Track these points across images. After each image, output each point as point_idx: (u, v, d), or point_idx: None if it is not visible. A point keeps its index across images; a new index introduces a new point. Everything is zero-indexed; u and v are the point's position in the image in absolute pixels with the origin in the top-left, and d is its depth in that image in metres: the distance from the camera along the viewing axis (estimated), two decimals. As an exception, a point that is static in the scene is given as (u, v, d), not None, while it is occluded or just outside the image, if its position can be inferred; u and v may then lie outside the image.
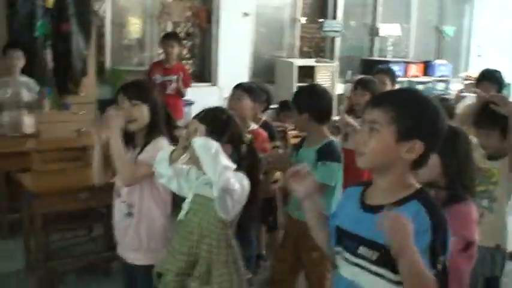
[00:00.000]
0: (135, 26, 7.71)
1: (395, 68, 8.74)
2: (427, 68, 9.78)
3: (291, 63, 8.35)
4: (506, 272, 3.51)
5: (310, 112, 3.37)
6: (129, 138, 3.08)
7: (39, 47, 5.79)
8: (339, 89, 8.71)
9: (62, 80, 6.04)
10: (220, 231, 2.58)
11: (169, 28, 7.65)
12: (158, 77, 6.22)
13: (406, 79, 9.11)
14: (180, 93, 6.32)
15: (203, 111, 2.68)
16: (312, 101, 3.40)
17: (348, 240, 1.93)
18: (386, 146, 1.82)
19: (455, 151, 2.39)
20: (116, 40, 7.45)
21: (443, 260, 1.73)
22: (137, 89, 3.06)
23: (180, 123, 5.23)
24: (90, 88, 6.35)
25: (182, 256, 2.60)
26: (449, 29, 10.72)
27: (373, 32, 9.87)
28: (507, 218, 3.34)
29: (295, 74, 8.17)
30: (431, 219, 1.75)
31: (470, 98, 4.80)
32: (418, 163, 1.86)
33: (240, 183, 2.46)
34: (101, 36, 7.13)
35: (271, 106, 5.04)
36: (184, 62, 7.69)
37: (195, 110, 2.73)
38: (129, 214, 3.04)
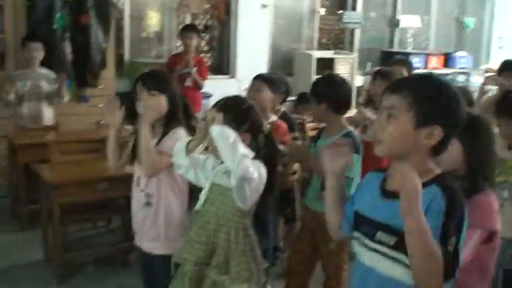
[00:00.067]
0: (153, 19, 7.71)
1: (416, 60, 8.73)
2: (448, 60, 9.70)
3: (310, 55, 8.29)
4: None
5: (329, 102, 3.34)
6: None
7: (58, 39, 5.81)
8: (358, 81, 8.66)
9: (81, 72, 6.08)
10: (238, 220, 2.57)
11: (187, 20, 7.62)
12: (177, 69, 6.20)
13: (426, 71, 9.02)
14: (197, 86, 6.29)
15: (223, 99, 2.68)
16: (330, 91, 3.37)
17: (366, 225, 1.92)
18: (405, 132, 1.80)
19: (478, 140, 2.37)
20: (135, 33, 7.46)
21: (455, 242, 1.70)
22: (155, 80, 3.06)
23: (199, 115, 5.25)
24: (108, 81, 6.37)
25: (200, 245, 2.60)
26: (469, 21, 10.60)
27: (393, 23, 9.79)
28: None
29: (313, 66, 8.10)
30: (446, 201, 1.73)
31: (493, 92, 4.75)
32: (437, 149, 1.84)
33: (258, 171, 2.46)
34: (119, 29, 7.15)
35: (289, 98, 5.02)
36: (202, 54, 7.67)
37: (213, 102, 2.71)
38: (148, 204, 3.06)
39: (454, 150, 2.27)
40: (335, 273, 3.44)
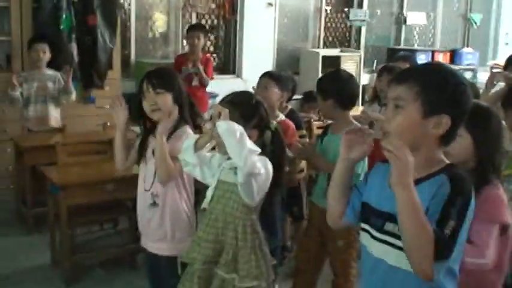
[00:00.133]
0: (159, 19, 7.70)
1: (422, 57, 8.70)
2: (454, 56, 9.66)
3: (316, 53, 8.27)
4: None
5: (335, 98, 3.32)
6: (153, 127, 3.09)
7: (65, 40, 5.83)
8: (365, 79, 8.63)
9: (87, 73, 6.09)
10: (245, 217, 2.56)
11: (193, 21, 7.61)
12: (184, 69, 6.18)
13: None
14: (203, 82, 6.25)
15: (231, 94, 2.67)
16: (336, 87, 3.36)
17: (374, 217, 1.91)
18: (412, 122, 1.79)
19: (488, 132, 2.38)
20: (141, 33, 7.47)
21: (453, 226, 1.70)
22: (161, 78, 3.04)
23: (205, 115, 5.24)
24: (115, 82, 6.38)
25: (208, 244, 2.59)
26: (476, 17, 10.55)
27: (400, 20, 9.74)
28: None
29: (319, 64, 8.08)
30: (451, 186, 1.74)
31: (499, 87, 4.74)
32: (446, 139, 1.83)
33: (265, 167, 2.44)
34: (125, 29, 7.15)
35: (295, 97, 5.00)
36: (208, 54, 7.65)
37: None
38: (154, 204, 3.04)
39: (464, 142, 2.29)
40: (343, 270, 3.42)
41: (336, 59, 8.26)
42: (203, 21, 7.78)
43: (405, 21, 9.69)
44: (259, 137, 2.62)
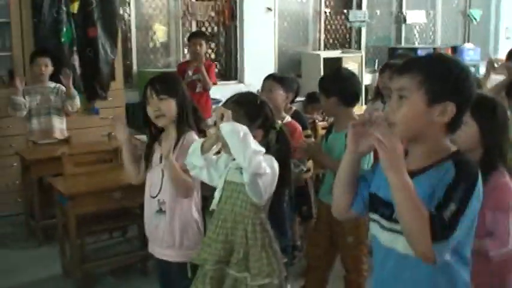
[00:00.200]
0: (159, 30, 7.73)
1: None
2: (455, 53, 9.64)
3: (317, 55, 8.29)
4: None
5: (338, 96, 3.33)
6: (158, 133, 3.10)
7: (66, 53, 5.85)
8: (367, 79, 8.63)
9: (90, 84, 6.11)
10: (254, 216, 2.56)
11: (193, 29, 7.63)
12: (187, 76, 6.17)
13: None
14: (205, 87, 6.24)
15: (236, 94, 2.68)
16: (339, 84, 3.38)
17: (382, 207, 1.91)
18: (417, 111, 1.79)
19: (495, 120, 2.42)
20: (141, 43, 7.49)
21: (453, 210, 1.70)
22: (165, 84, 3.04)
23: (209, 121, 5.23)
24: (118, 92, 6.40)
25: (218, 244, 2.59)
26: (475, 12, 10.54)
27: (400, 20, 9.75)
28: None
29: (321, 66, 8.09)
30: (456, 171, 1.75)
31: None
32: (452, 126, 1.84)
33: (270, 166, 2.44)
34: (126, 40, 7.18)
35: (298, 98, 5.00)
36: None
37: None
38: (160, 211, 3.04)
39: (470, 130, 2.33)
40: (354, 266, 3.42)
41: (337, 61, 8.25)
42: (203, 29, 7.79)
43: (405, 20, 9.69)
44: (265, 137, 2.62)
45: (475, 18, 10.56)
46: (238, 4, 7.92)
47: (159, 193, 3.03)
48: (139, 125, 5.33)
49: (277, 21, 8.30)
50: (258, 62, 7.86)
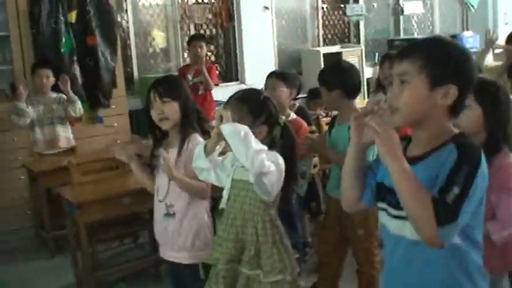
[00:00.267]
0: (158, 35, 7.74)
1: (423, 44, 8.66)
2: (455, 41, 9.62)
3: (316, 52, 8.30)
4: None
5: (341, 88, 3.33)
6: (162, 137, 3.11)
7: (67, 63, 5.85)
8: (368, 72, 8.63)
9: (93, 93, 6.11)
10: (263, 213, 2.56)
11: (192, 32, 7.63)
12: (189, 78, 6.18)
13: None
14: (207, 87, 6.27)
15: (239, 91, 2.68)
16: (340, 77, 3.37)
17: (389, 195, 1.91)
18: (420, 95, 1.80)
19: (497, 102, 2.44)
20: (141, 50, 7.50)
21: (456, 193, 1.69)
22: (168, 87, 3.05)
23: (213, 123, 5.23)
24: (120, 99, 6.41)
25: (229, 243, 2.58)
26: (473, 0, 10.53)
27: (397, 11, 9.74)
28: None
29: (321, 62, 8.09)
30: (458, 154, 1.74)
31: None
32: (454, 109, 1.84)
33: (275, 162, 2.44)
34: (126, 47, 7.19)
35: (300, 95, 5.01)
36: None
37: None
38: (168, 214, 3.05)
39: (473, 114, 2.34)
40: (366, 259, 3.42)
41: (337, 56, 8.24)
42: (201, 32, 7.80)
43: (402, 11, 9.69)
44: (269, 133, 2.62)
45: (472, 6, 10.54)
46: (235, 5, 7.94)
47: (166, 196, 3.04)
48: (143, 131, 5.37)
49: (275, 19, 8.31)
50: (258, 62, 7.87)
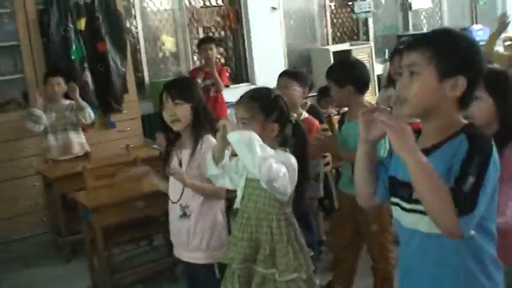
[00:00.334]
0: (168, 40, 7.77)
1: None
2: (465, 35, 9.57)
3: (326, 50, 8.31)
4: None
5: (353, 84, 3.34)
6: (175, 137, 3.14)
7: (78, 70, 5.90)
8: (378, 69, 8.61)
9: (105, 99, 6.16)
10: (278, 211, 2.57)
11: (200, 35, 7.66)
12: (200, 81, 6.20)
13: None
14: (217, 89, 6.30)
15: (250, 90, 2.69)
16: (351, 73, 3.39)
17: (401, 189, 1.92)
18: (429, 86, 1.80)
19: (508, 92, 2.45)
20: (151, 54, 7.54)
21: (472, 182, 1.70)
22: (180, 89, 3.08)
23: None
24: (132, 104, 6.44)
25: (244, 242, 2.60)
26: (481, -7, 10.49)
27: (405, 7, 9.71)
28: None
29: (331, 60, 8.08)
30: (469, 144, 1.74)
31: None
32: (464, 101, 1.84)
33: (286, 163, 2.45)
34: (136, 52, 7.23)
35: (310, 94, 5.01)
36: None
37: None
38: (184, 215, 3.07)
39: (485, 105, 2.36)
40: (381, 255, 3.42)
41: (347, 53, 8.23)
42: (210, 35, 7.82)
43: (410, 6, 9.64)
44: (281, 132, 2.63)
45: (480, -1, 10.50)
46: (242, 7, 7.95)
47: (180, 198, 3.07)
48: (155, 135, 5.39)
49: (283, 19, 8.31)
50: (267, 63, 7.88)
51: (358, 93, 3.37)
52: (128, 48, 6.41)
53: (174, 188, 3.12)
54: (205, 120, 3.11)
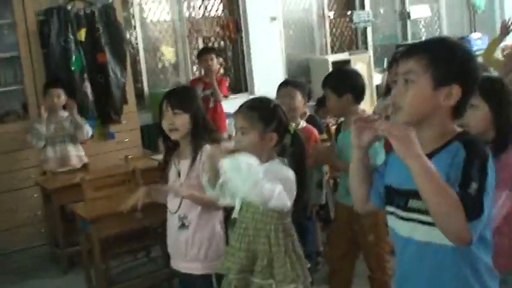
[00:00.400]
0: (167, 50, 7.79)
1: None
2: (464, 44, 9.58)
3: (325, 60, 8.32)
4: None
5: (351, 92, 3.36)
6: (174, 146, 3.14)
7: (78, 81, 5.89)
8: (377, 79, 8.62)
9: (104, 110, 6.15)
10: (277, 222, 2.57)
11: (200, 46, 7.68)
12: (200, 92, 6.21)
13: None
14: (216, 99, 6.31)
15: (249, 100, 2.70)
16: (350, 81, 3.41)
17: (397, 197, 1.93)
18: (424, 95, 1.81)
19: (504, 100, 2.46)
20: (151, 65, 7.55)
21: (476, 187, 1.70)
22: (180, 98, 3.09)
23: (224, 135, 5.27)
24: (131, 115, 6.44)
25: (242, 253, 2.60)
26: (480, 2, 10.50)
27: (404, 16, 9.74)
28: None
29: (330, 70, 8.05)
30: (466, 150, 1.75)
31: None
32: (458, 110, 1.85)
33: (282, 177, 2.45)
34: (135, 63, 7.24)
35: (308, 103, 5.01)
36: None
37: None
38: (183, 225, 3.07)
39: (481, 113, 2.37)
40: (378, 265, 3.42)
41: (346, 63, 8.24)
42: (210, 45, 7.84)
43: (409, 16, 9.68)
44: (280, 141, 2.63)
45: (479, 7, 10.51)
46: (242, 17, 7.97)
47: (179, 208, 3.07)
48: (154, 146, 5.39)
49: (283, 29, 8.33)
50: (267, 73, 7.89)
51: (355, 102, 3.38)
52: (128, 59, 6.41)
53: (172, 199, 3.13)
54: (204, 130, 3.12)
